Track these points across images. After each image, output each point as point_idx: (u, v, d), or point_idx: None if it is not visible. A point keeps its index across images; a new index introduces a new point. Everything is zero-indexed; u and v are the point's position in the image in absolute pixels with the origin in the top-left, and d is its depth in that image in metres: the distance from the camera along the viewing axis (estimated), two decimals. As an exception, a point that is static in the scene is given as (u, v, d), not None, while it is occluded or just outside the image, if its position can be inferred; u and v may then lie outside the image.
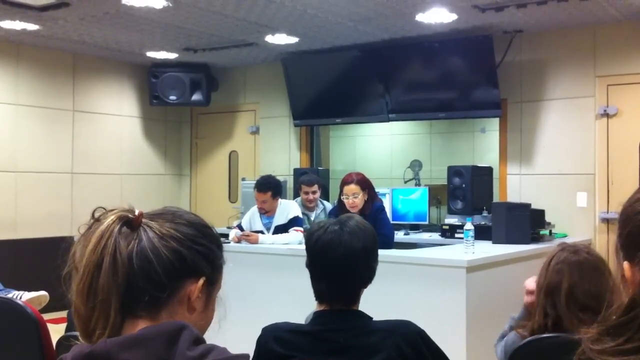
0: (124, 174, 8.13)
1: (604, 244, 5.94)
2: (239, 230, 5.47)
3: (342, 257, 1.96)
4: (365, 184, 5.08)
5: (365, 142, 8.72)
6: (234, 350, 1.10)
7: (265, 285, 4.95)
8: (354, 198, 5.00)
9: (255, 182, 5.68)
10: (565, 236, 5.94)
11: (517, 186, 6.55)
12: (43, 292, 4.68)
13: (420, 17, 5.84)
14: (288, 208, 5.56)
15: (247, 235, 5.33)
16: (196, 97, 8.05)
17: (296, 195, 6.63)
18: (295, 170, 7.54)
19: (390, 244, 5.10)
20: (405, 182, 7.52)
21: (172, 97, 7.97)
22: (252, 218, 5.64)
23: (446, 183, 6.52)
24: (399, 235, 6.17)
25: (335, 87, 7.34)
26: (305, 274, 2.03)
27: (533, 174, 6.48)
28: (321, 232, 2.00)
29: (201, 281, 1.17)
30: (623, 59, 6.04)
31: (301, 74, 7.46)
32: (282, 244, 5.19)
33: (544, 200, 6.12)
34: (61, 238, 6.62)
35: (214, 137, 8.66)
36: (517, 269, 4.75)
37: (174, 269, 1.13)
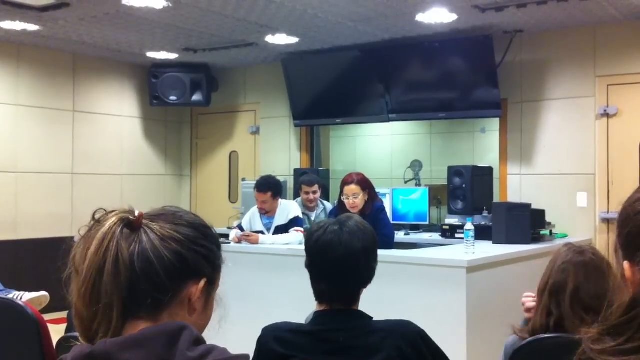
0: (124, 174, 8.13)
1: (605, 244, 5.93)
2: (239, 231, 5.47)
3: (342, 258, 1.96)
4: (365, 184, 5.08)
5: (366, 143, 8.72)
6: (234, 350, 1.10)
7: (266, 285, 4.95)
8: (354, 198, 5.00)
9: (255, 182, 5.68)
10: (566, 236, 5.95)
11: (517, 186, 6.55)
12: (43, 293, 4.69)
13: (421, 17, 5.84)
14: (288, 208, 5.56)
15: (248, 236, 5.33)
16: (196, 97, 8.05)
17: (296, 195, 6.63)
18: (296, 170, 7.54)
19: (391, 244, 5.10)
20: (406, 182, 7.51)
21: (173, 98, 7.97)
22: (252, 218, 5.64)
23: (446, 183, 6.52)
24: (400, 236, 6.17)
25: (336, 88, 7.34)
26: (306, 274, 2.03)
27: (533, 174, 6.48)
28: (321, 233, 2.00)
29: (202, 282, 1.17)
30: (623, 59, 6.04)
31: (301, 74, 7.46)
32: (283, 244, 5.19)
33: (544, 200, 6.12)
34: (61, 238, 6.61)
35: (214, 137, 8.66)
36: (517, 269, 4.75)
37: (175, 270, 1.13)
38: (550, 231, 5.81)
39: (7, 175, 7.04)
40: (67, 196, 7.54)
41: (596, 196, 6.13)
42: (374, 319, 1.99)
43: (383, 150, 8.49)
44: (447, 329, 3.92)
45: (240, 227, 5.61)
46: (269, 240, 5.29)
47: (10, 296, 4.34)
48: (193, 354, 1.05)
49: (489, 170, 6.60)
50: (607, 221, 6.04)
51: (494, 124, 6.89)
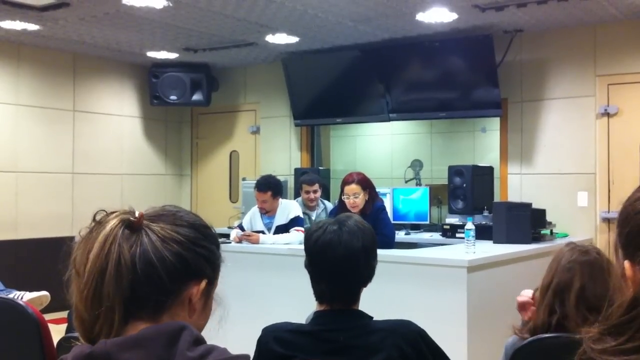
0: (124, 174, 8.13)
1: (605, 244, 5.92)
2: (240, 230, 5.47)
3: (342, 257, 1.96)
4: (366, 184, 5.08)
5: (366, 142, 8.72)
6: (234, 350, 1.10)
7: (266, 285, 4.95)
8: (355, 198, 5.00)
9: (255, 182, 5.68)
10: (566, 236, 5.94)
11: (517, 186, 6.54)
12: (44, 293, 4.69)
13: (421, 17, 5.84)
14: (289, 208, 5.56)
15: (248, 235, 5.33)
16: (196, 97, 8.05)
17: (297, 195, 6.64)
18: (296, 170, 7.54)
19: (391, 243, 5.09)
20: (406, 182, 7.51)
21: (173, 97, 7.97)
22: (252, 218, 5.64)
23: (447, 183, 6.52)
24: (400, 235, 6.17)
25: (336, 87, 7.34)
26: (306, 274, 2.03)
27: (534, 174, 6.47)
28: (320, 233, 2.00)
29: (203, 283, 1.17)
30: (623, 58, 6.04)
31: (301, 73, 7.46)
32: (283, 244, 5.19)
33: (545, 199, 6.12)
34: (62, 238, 6.61)
35: (215, 137, 8.66)
36: (518, 269, 4.75)
37: (177, 272, 1.13)
38: (551, 231, 5.81)
39: (8, 175, 7.04)
40: (68, 196, 7.54)
41: (597, 195, 6.13)
42: (374, 319, 1.99)
43: (383, 149, 8.49)
44: (448, 329, 3.92)
45: (240, 227, 5.60)
46: (269, 240, 5.29)
47: (10, 296, 4.35)
48: (193, 354, 1.05)
49: (490, 169, 6.60)
50: (607, 221, 6.04)
51: (495, 123, 6.89)
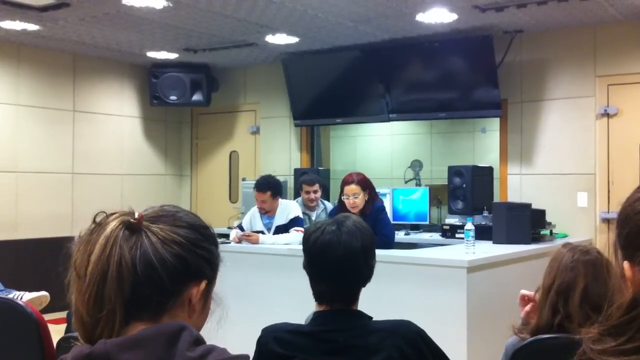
0: (124, 174, 8.13)
1: (605, 244, 5.93)
2: (239, 231, 5.47)
3: (341, 257, 1.96)
4: (365, 184, 5.08)
5: (366, 142, 8.72)
6: (234, 350, 1.10)
7: (266, 285, 4.95)
8: (355, 198, 5.00)
9: (255, 182, 5.68)
10: (566, 236, 5.94)
11: (517, 186, 6.54)
12: (44, 293, 4.69)
13: (421, 17, 5.84)
14: (288, 208, 5.56)
15: (248, 236, 5.33)
16: (196, 97, 8.05)
17: (297, 195, 6.64)
18: (296, 170, 7.54)
19: (391, 244, 5.09)
20: (406, 182, 7.51)
21: (173, 98, 7.97)
22: (252, 218, 5.64)
23: (447, 183, 6.52)
24: (400, 236, 6.17)
25: (336, 87, 7.34)
26: (306, 275, 2.03)
27: (533, 174, 6.48)
28: (319, 234, 2.00)
29: (203, 284, 1.17)
30: (623, 59, 6.04)
31: (301, 74, 7.46)
32: (283, 244, 5.19)
33: (545, 200, 6.12)
34: (62, 238, 6.62)
35: (215, 137, 8.66)
36: (517, 269, 4.75)
37: (177, 273, 1.13)
38: (551, 231, 5.81)
39: (8, 175, 7.04)
40: (67, 196, 7.54)
41: (596, 196, 6.13)
42: (373, 319, 1.99)
43: (383, 150, 8.49)
44: (448, 329, 3.92)
45: (240, 227, 5.61)
46: (269, 240, 5.29)
47: (10, 296, 4.34)
48: (193, 354, 1.05)
49: (489, 170, 6.60)
50: (607, 221, 6.04)
51: (494, 123, 6.89)
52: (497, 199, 6.51)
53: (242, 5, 5.54)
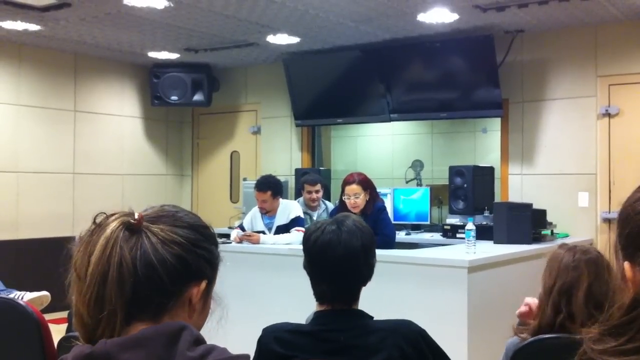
0: (125, 174, 8.13)
1: (606, 244, 5.92)
2: (240, 231, 5.47)
3: (342, 257, 1.96)
4: (366, 184, 5.08)
5: (367, 142, 8.72)
6: (234, 350, 1.10)
7: (266, 285, 4.95)
8: (356, 198, 5.00)
9: (255, 182, 5.68)
10: (567, 236, 5.94)
11: (518, 186, 6.54)
12: (45, 293, 4.69)
13: (422, 17, 5.83)
14: (289, 208, 5.56)
15: (249, 236, 5.33)
16: (197, 97, 8.05)
17: (298, 195, 6.64)
18: (297, 170, 7.54)
19: (392, 244, 5.10)
20: (407, 182, 7.51)
21: (174, 98, 7.97)
22: (253, 218, 5.65)
23: (447, 183, 6.52)
24: (401, 236, 6.17)
25: (337, 87, 7.34)
26: (306, 274, 2.03)
27: (534, 174, 6.47)
28: (319, 233, 2.00)
29: (203, 284, 1.17)
30: (624, 59, 6.04)
31: (302, 74, 7.46)
32: (284, 244, 5.19)
33: (546, 200, 6.12)
34: (62, 238, 6.61)
35: (216, 137, 8.66)
36: (518, 269, 4.75)
37: (178, 274, 1.13)
38: (552, 231, 5.81)
39: (9, 175, 7.05)
40: (68, 196, 7.54)
41: (597, 196, 6.13)
42: (374, 319, 1.99)
43: (384, 150, 8.49)
44: (448, 329, 3.92)
45: (241, 227, 5.61)
46: (270, 240, 5.29)
47: (11, 296, 4.35)
48: (193, 354, 1.05)
49: (490, 170, 6.60)
50: (608, 221, 6.04)
51: (495, 123, 6.89)
52: (498, 199, 6.51)
53: (243, 5, 5.54)
